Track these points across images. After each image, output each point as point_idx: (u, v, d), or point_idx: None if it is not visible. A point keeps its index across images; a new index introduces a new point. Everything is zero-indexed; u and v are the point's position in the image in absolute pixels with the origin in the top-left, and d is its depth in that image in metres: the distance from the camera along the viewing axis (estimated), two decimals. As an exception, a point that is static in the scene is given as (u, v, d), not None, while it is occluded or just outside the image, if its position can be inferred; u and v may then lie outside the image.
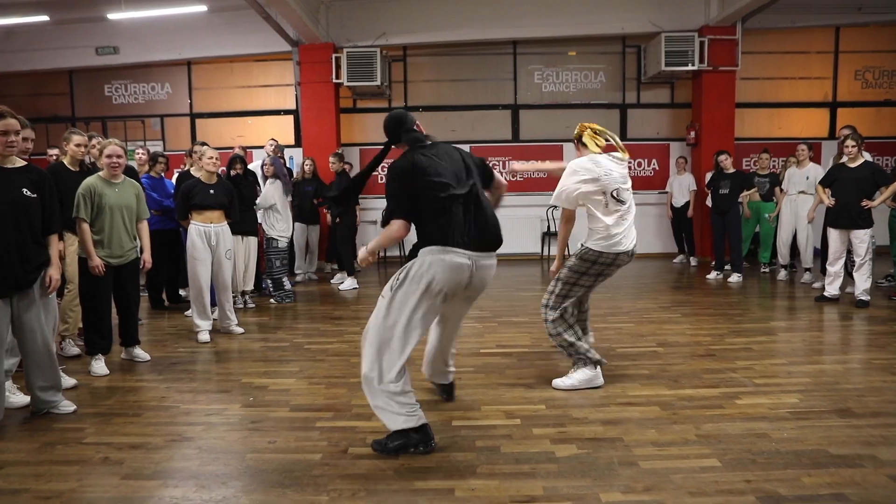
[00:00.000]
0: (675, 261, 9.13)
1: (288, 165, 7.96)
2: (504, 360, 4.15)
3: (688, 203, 8.63)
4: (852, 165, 5.71)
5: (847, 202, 5.66)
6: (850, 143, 5.67)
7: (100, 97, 9.81)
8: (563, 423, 3.06)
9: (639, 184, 9.65)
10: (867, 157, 6.17)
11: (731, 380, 3.67)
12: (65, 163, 4.58)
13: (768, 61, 9.45)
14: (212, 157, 4.92)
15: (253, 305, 6.22)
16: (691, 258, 8.88)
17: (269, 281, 6.54)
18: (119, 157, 3.96)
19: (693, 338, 4.71)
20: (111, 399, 3.58)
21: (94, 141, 4.70)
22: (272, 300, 6.39)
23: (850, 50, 9.47)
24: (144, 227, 4.25)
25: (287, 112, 9.47)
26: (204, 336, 4.85)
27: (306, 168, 7.55)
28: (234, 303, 5.99)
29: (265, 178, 6.53)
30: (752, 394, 3.43)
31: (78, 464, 2.68)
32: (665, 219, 9.17)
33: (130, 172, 4.82)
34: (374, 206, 9.40)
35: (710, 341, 4.59)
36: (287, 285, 6.48)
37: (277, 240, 6.37)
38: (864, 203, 5.58)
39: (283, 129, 9.44)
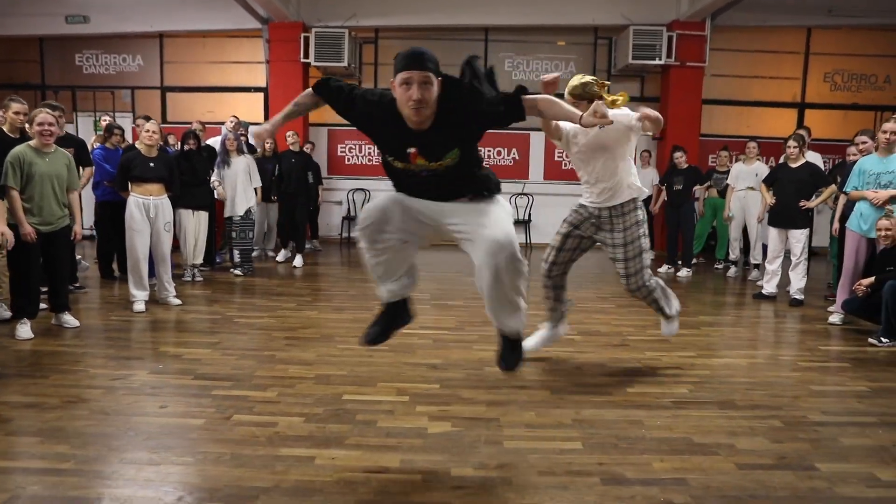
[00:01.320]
0: (635, 254, 9.21)
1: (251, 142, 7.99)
2: (419, 342, 4.24)
3: (650, 197, 8.69)
4: (793, 166, 5.78)
5: (786, 202, 5.75)
6: (791, 143, 5.74)
7: (70, 66, 9.79)
8: (449, 403, 3.15)
9: (605, 176, 9.74)
10: (814, 157, 6.26)
11: (633, 369, 3.77)
12: (3, 129, 4.65)
13: (739, 59, 9.48)
14: (149, 131, 4.98)
15: (200, 279, 6.30)
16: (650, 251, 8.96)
17: (236, 252, 6.74)
18: (50, 124, 4.01)
19: (615, 328, 4.81)
20: (25, 362, 3.67)
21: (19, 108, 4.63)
22: (237, 270, 6.58)
23: (820, 52, 9.50)
24: (75, 198, 4.32)
25: (257, 89, 9.48)
26: (139, 306, 4.93)
27: (266, 146, 7.58)
28: (183, 276, 6.10)
29: (226, 153, 6.58)
30: (646, 383, 3.53)
31: (-35, 420, 2.77)
32: (629, 212, 9.23)
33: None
34: (338, 186, 9.47)
35: (630, 332, 4.69)
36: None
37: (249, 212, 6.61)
38: (801, 203, 5.66)
39: (253, 107, 9.46)
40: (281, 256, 7.61)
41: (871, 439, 2.82)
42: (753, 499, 2.27)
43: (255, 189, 6.75)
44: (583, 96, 3.22)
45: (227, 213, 6.63)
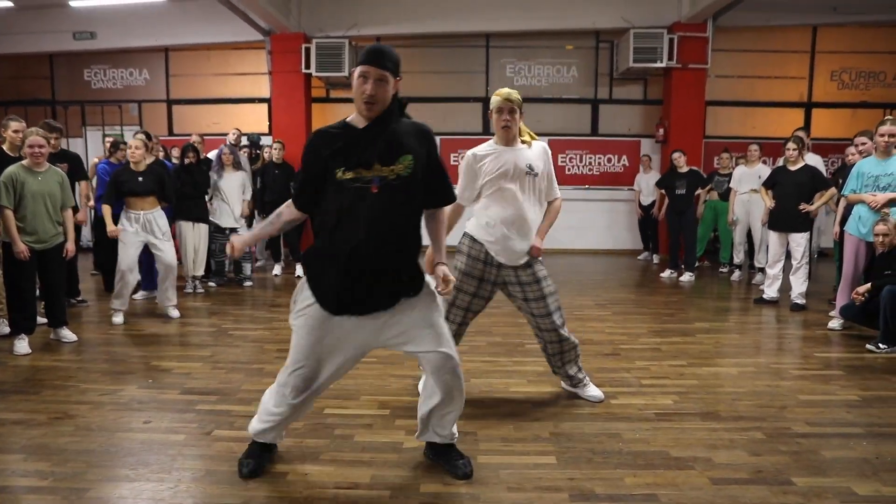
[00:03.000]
0: (639, 257, 9.16)
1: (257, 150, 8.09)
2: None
3: (654, 201, 8.64)
4: (792, 169, 5.71)
5: (786, 205, 5.67)
6: (790, 145, 5.67)
7: (79, 81, 9.98)
8: (429, 416, 3.16)
9: (609, 180, 9.71)
10: (814, 160, 6.16)
11: (620, 380, 3.74)
12: (4, 149, 4.77)
13: (742, 59, 9.37)
14: (131, 147, 5.07)
15: (202, 291, 6.38)
16: (654, 255, 8.91)
17: (246, 265, 6.91)
18: (41, 146, 4.11)
19: (608, 336, 4.77)
20: (21, 377, 3.75)
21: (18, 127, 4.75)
22: (248, 282, 6.80)
23: (826, 50, 9.36)
24: (69, 215, 4.40)
25: (261, 100, 9.58)
26: (118, 318, 5.05)
27: (267, 155, 7.59)
28: (184, 288, 6.18)
29: (221, 166, 6.65)
30: (631, 394, 3.50)
31: (-47, 437, 2.84)
32: (634, 215, 9.19)
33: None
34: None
35: (623, 340, 4.66)
36: (247, 270, 6.90)
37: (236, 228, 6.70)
38: (801, 207, 5.59)
39: (257, 117, 9.57)
40: (277, 270, 7.63)
41: (854, 451, 2.78)
42: (722, 515, 2.26)
43: (246, 202, 6.79)
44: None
45: (223, 224, 6.64)
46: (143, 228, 5.09)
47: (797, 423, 3.09)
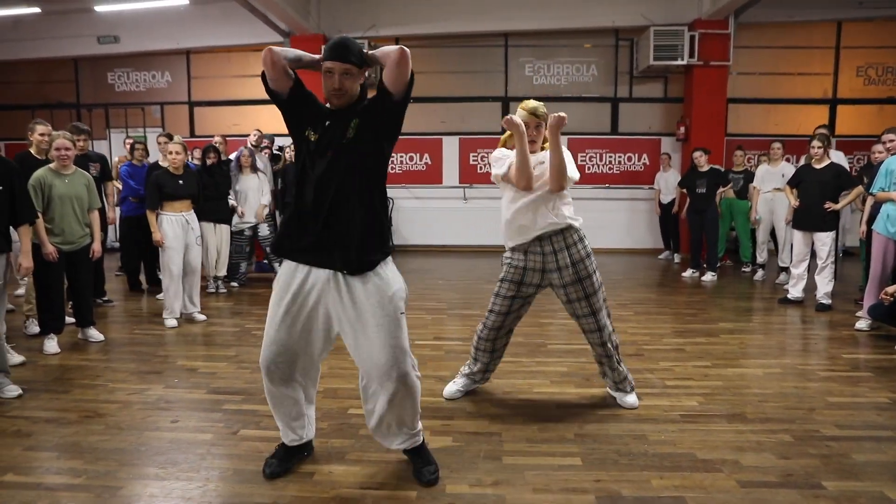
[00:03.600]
0: (660, 257, 9.08)
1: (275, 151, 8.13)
2: (432, 353, 4.27)
3: (674, 200, 8.56)
4: (818, 167, 5.62)
5: (811, 204, 5.58)
6: (815, 143, 5.58)
7: (103, 84, 10.15)
8: (453, 416, 3.17)
9: (629, 178, 9.64)
10: (837, 157, 6.06)
11: (644, 381, 3.71)
12: (31, 152, 4.86)
13: (765, 56, 9.24)
14: (171, 153, 5.10)
15: (224, 291, 6.45)
16: (675, 255, 8.83)
17: (276, 264, 6.81)
18: (67, 149, 4.18)
19: (631, 337, 4.74)
20: (51, 376, 3.82)
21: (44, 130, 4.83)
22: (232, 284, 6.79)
23: (852, 45, 9.20)
24: (95, 217, 4.47)
25: (281, 101, 9.63)
26: (171, 322, 5.06)
27: (287, 155, 7.65)
28: (206, 288, 6.25)
29: (239, 168, 6.71)
30: (656, 395, 3.48)
31: (-11, 434, 2.91)
32: (654, 214, 9.12)
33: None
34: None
35: (646, 341, 4.62)
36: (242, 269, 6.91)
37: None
38: (826, 205, 5.50)
39: (277, 118, 9.59)
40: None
41: (887, 455, 2.73)
42: (752, 519, 2.23)
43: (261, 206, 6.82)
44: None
45: (236, 227, 6.70)
46: (182, 230, 5.12)
47: (826, 426, 3.04)
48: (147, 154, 6.74)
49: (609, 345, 3.23)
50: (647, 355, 4.26)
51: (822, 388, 3.60)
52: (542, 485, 2.47)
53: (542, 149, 3.12)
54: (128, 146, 6.88)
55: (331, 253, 2.31)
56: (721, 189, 7.35)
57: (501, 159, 3.13)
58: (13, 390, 3.43)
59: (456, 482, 2.49)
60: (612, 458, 2.70)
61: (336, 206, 2.30)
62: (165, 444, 2.83)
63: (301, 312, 2.39)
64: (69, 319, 4.66)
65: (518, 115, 3.06)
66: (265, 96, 2.46)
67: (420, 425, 2.56)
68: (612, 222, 9.55)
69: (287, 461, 2.59)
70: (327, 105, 2.41)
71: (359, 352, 2.36)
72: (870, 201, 5.23)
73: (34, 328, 4.71)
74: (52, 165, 4.23)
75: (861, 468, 2.61)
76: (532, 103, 3.06)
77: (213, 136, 7.24)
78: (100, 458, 2.70)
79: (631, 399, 3.32)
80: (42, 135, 4.74)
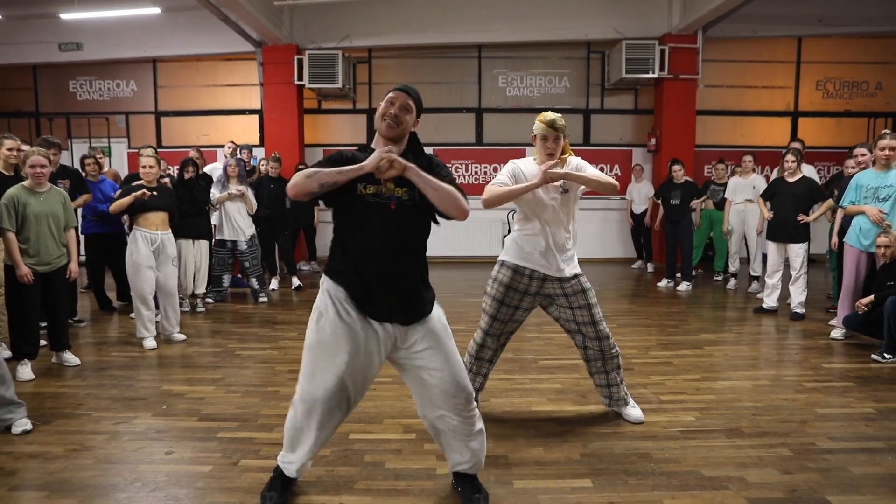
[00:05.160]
0: (633, 266, 9.25)
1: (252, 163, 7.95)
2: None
3: (646, 210, 8.73)
4: (791, 180, 5.81)
5: (785, 216, 5.76)
6: (789, 157, 5.76)
7: (64, 93, 9.79)
8: (457, 439, 3.13)
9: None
10: (809, 171, 6.27)
11: (639, 396, 3.74)
12: (-1, 168, 4.63)
13: (731, 70, 9.54)
14: (145, 167, 4.94)
15: (203, 309, 6.27)
16: (648, 264, 9.00)
17: (253, 280, 6.75)
18: (42, 166, 4.00)
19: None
20: (28, 406, 3.61)
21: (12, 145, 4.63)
22: (262, 297, 6.73)
23: (812, 60, 9.58)
24: (72, 236, 4.28)
25: (252, 112, 9.49)
26: (150, 343, 4.88)
27: (271, 167, 7.44)
28: (182, 306, 6.04)
29: (227, 178, 6.51)
30: (653, 411, 3.51)
31: (-31, 474, 2.74)
32: (626, 224, 9.28)
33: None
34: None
35: (633, 354, 4.68)
36: (226, 282, 6.75)
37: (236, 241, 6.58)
38: (799, 218, 5.68)
39: (248, 129, 9.47)
40: (274, 284, 7.51)
41: (882, 467, 2.81)
42: (767, 539, 2.26)
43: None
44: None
45: (229, 237, 6.53)
46: (155, 250, 4.94)
47: (820, 439, 3.12)
48: (100, 167, 6.45)
49: (615, 350, 3.30)
50: (638, 369, 4.31)
51: (809, 400, 3.70)
52: (557, 509, 2.46)
53: (561, 160, 3.13)
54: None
55: (391, 310, 2.33)
56: (696, 200, 7.52)
57: (506, 173, 3.14)
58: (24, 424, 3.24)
59: (471, 510, 2.45)
60: (621, 479, 2.71)
61: (401, 259, 2.32)
62: (162, 479, 2.72)
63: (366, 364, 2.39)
64: (42, 342, 4.45)
65: (536, 128, 3.07)
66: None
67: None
68: (585, 232, 9.64)
69: (285, 493, 2.52)
70: (366, 149, 2.35)
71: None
72: (840, 213, 5.43)
73: (5, 353, 4.47)
74: (25, 183, 4.03)
75: (860, 481, 2.68)
76: (550, 115, 3.07)
77: (184, 147, 7.06)
78: (93, 496, 2.57)
79: (637, 413, 3.36)
80: (10, 150, 4.53)
